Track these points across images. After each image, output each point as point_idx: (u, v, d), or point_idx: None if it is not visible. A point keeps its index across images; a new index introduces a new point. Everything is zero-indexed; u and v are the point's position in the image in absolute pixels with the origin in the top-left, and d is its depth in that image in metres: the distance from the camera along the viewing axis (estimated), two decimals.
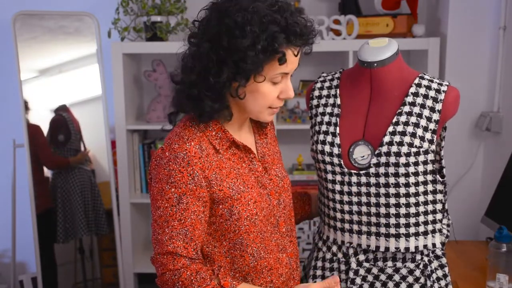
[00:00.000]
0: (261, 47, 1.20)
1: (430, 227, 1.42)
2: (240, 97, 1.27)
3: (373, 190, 1.40)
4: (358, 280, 1.45)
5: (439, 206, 1.44)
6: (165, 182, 1.25)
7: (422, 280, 1.42)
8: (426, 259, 1.44)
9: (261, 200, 1.35)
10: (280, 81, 1.29)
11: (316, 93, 1.54)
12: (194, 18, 1.31)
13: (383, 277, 1.44)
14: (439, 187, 1.43)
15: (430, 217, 1.42)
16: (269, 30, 1.20)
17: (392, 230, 1.40)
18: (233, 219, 1.30)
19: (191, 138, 1.28)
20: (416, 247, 1.41)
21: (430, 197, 1.42)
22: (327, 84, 1.54)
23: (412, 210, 1.39)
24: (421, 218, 1.41)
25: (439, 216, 1.44)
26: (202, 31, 1.26)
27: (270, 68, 1.25)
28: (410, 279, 1.42)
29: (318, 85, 1.55)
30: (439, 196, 1.44)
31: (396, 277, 1.43)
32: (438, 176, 1.42)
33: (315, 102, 1.53)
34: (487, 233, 2.41)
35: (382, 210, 1.40)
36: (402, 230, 1.40)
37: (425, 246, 1.42)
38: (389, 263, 1.43)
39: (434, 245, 1.44)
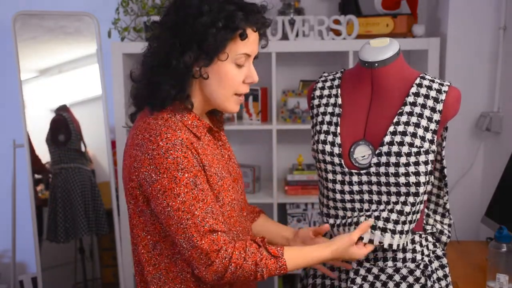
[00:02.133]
0: (221, 25, 1.24)
1: (411, 226, 1.42)
2: (203, 77, 1.29)
3: (375, 188, 1.40)
4: (359, 280, 1.44)
5: (432, 206, 1.44)
6: (175, 170, 1.23)
7: (422, 280, 1.42)
8: (426, 259, 1.44)
9: (234, 185, 1.39)
10: (244, 63, 1.31)
11: (317, 92, 1.54)
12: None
13: (383, 277, 1.44)
14: (430, 188, 1.42)
15: (417, 216, 1.42)
16: (227, 9, 1.25)
17: (390, 226, 1.39)
18: (219, 205, 1.32)
19: (177, 127, 1.28)
20: (406, 243, 1.41)
21: (426, 197, 1.41)
22: (328, 83, 1.54)
23: (414, 209, 1.39)
24: (415, 217, 1.41)
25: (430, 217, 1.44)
26: (161, 23, 1.30)
27: (232, 46, 1.27)
28: (411, 279, 1.42)
29: (320, 84, 1.55)
30: (433, 198, 1.44)
31: (397, 277, 1.43)
32: (432, 177, 1.41)
33: (316, 101, 1.54)
34: (487, 233, 2.41)
35: (382, 207, 1.40)
36: (399, 228, 1.39)
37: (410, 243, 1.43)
38: (390, 263, 1.43)
39: (421, 243, 1.43)
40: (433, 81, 1.42)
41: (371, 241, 1.40)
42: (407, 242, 1.42)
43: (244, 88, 1.34)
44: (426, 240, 1.47)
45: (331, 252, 1.36)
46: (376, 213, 1.40)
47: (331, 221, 1.49)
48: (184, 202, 1.24)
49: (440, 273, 1.46)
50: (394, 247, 1.39)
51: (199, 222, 1.24)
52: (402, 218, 1.39)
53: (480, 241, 2.46)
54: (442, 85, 1.41)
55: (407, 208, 1.38)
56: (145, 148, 1.26)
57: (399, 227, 1.39)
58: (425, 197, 1.42)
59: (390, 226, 1.39)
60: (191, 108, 1.32)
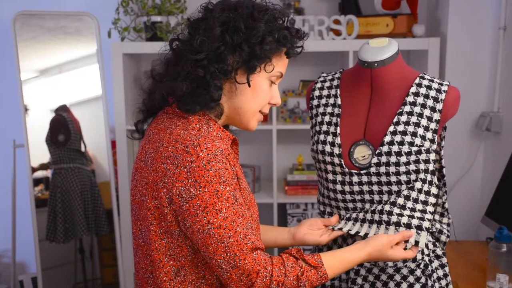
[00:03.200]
0: (277, 36, 1.23)
1: (416, 222, 1.39)
2: (242, 83, 1.24)
3: (375, 188, 1.40)
4: (359, 280, 1.44)
5: (430, 208, 1.41)
6: (217, 183, 1.14)
7: (423, 279, 1.42)
8: (427, 258, 1.44)
9: (246, 212, 1.31)
10: (272, 85, 1.30)
11: (317, 93, 1.54)
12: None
13: (384, 277, 1.44)
14: (433, 190, 1.41)
15: (418, 214, 1.40)
16: (278, 25, 1.25)
17: (392, 228, 1.39)
18: None
19: (213, 137, 1.21)
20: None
21: (424, 197, 1.41)
22: (327, 84, 1.54)
23: (418, 206, 1.38)
24: (417, 214, 1.40)
25: (428, 216, 1.42)
26: (209, 19, 1.23)
27: (276, 60, 1.27)
28: (411, 278, 1.42)
29: (318, 85, 1.55)
30: (431, 199, 1.42)
31: (397, 277, 1.43)
32: (435, 177, 1.41)
33: (315, 102, 1.54)
34: (487, 233, 2.41)
35: (387, 207, 1.40)
36: (402, 228, 1.39)
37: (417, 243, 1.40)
38: (390, 263, 1.43)
39: (417, 242, 1.41)
40: (432, 81, 1.43)
41: (416, 243, 1.37)
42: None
43: (267, 108, 1.32)
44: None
45: (368, 254, 1.31)
46: (386, 218, 1.38)
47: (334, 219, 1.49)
48: (226, 218, 1.15)
49: (440, 272, 1.46)
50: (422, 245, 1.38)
51: (242, 240, 1.15)
52: (410, 217, 1.38)
53: (480, 241, 2.45)
54: (442, 84, 1.42)
55: (419, 206, 1.38)
56: (180, 161, 1.15)
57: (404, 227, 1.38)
58: (430, 199, 1.41)
59: (401, 228, 1.37)
60: (221, 114, 1.27)
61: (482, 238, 2.50)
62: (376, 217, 1.39)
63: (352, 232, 1.43)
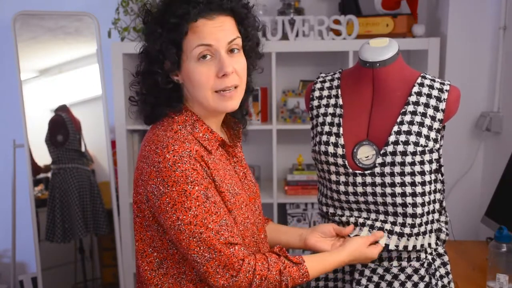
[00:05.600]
0: (161, 30, 1.23)
1: (429, 227, 1.42)
2: (180, 83, 1.27)
3: (378, 189, 1.39)
4: (364, 281, 1.44)
5: (437, 206, 1.44)
6: (184, 183, 1.17)
7: (426, 278, 1.42)
8: (430, 257, 1.45)
9: (248, 203, 1.33)
10: (208, 56, 1.22)
11: (317, 93, 1.54)
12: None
13: (388, 277, 1.44)
14: (439, 186, 1.44)
15: (430, 217, 1.42)
16: (168, 10, 1.24)
17: (397, 229, 1.40)
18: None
19: (187, 139, 1.22)
20: (414, 246, 1.41)
21: (432, 197, 1.42)
22: (327, 84, 1.54)
23: (419, 210, 1.39)
24: (424, 219, 1.40)
25: (436, 215, 1.45)
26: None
27: (186, 44, 1.22)
28: (416, 277, 1.42)
29: (318, 85, 1.55)
30: (438, 196, 1.44)
31: (402, 277, 1.43)
32: (439, 175, 1.42)
33: (315, 102, 1.53)
34: (487, 233, 2.41)
35: (390, 208, 1.40)
36: (407, 230, 1.39)
37: (421, 246, 1.42)
38: (395, 263, 1.43)
39: (429, 244, 1.43)
40: (434, 81, 1.43)
41: (386, 246, 1.40)
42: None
43: (221, 83, 1.23)
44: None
45: (348, 255, 1.35)
46: (392, 219, 1.40)
47: (337, 219, 1.48)
48: (196, 216, 1.17)
49: (442, 270, 1.46)
50: (410, 248, 1.40)
51: (214, 235, 1.18)
52: (417, 221, 1.39)
53: (480, 241, 2.45)
54: (443, 84, 1.42)
55: (418, 210, 1.38)
56: (151, 161, 1.20)
57: (415, 230, 1.39)
58: (433, 196, 1.41)
59: (407, 230, 1.39)
60: (198, 117, 1.28)
61: (482, 238, 2.50)
62: (397, 229, 1.40)
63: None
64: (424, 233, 1.42)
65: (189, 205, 1.17)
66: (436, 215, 1.44)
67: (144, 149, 1.24)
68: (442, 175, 1.45)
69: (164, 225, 1.22)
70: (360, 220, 1.44)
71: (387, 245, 1.40)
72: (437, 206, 1.44)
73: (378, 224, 1.42)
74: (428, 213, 1.41)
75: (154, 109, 1.28)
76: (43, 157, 2.95)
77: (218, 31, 1.21)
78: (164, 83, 1.25)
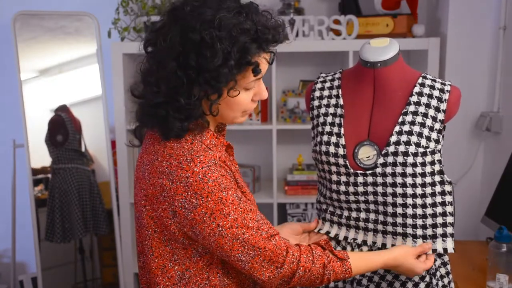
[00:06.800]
0: (234, 63, 1.13)
1: (440, 231, 1.40)
2: (213, 114, 1.20)
3: (380, 189, 1.39)
4: (365, 281, 1.45)
5: (449, 209, 1.40)
6: (218, 191, 1.16)
7: (427, 278, 1.42)
8: None
9: (252, 206, 1.33)
10: (254, 86, 1.24)
11: (317, 93, 1.54)
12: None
13: (389, 277, 1.44)
14: (448, 188, 1.40)
15: (439, 220, 1.40)
16: (240, 42, 1.13)
17: (399, 229, 1.39)
18: None
19: (206, 148, 1.21)
20: (434, 250, 1.40)
21: (438, 199, 1.39)
22: (327, 84, 1.53)
23: (419, 211, 1.38)
24: (429, 221, 1.39)
25: (449, 219, 1.41)
26: (165, 46, 1.15)
27: (243, 79, 1.19)
28: (416, 278, 1.42)
29: (318, 85, 1.55)
30: (448, 198, 1.40)
31: (403, 277, 1.42)
32: (445, 176, 1.41)
33: (316, 102, 1.53)
34: (487, 233, 2.41)
35: (390, 209, 1.40)
36: (409, 230, 1.39)
37: (434, 251, 1.40)
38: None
39: (445, 250, 1.41)
40: (435, 81, 1.43)
41: (393, 246, 1.41)
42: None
43: (252, 105, 1.27)
44: None
45: (393, 258, 1.35)
46: (391, 220, 1.40)
47: (335, 219, 1.48)
48: (236, 219, 1.18)
49: (442, 270, 1.46)
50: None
51: (255, 233, 1.19)
52: (419, 222, 1.38)
53: (480, 241, 2.45)
54: (444, 84, 1.42)
55: (419, 211, 1.38)
56: (175, 177, 1.16)
57: (419, 232, 1.39)
58: (439, 198, 1.39)
59: (409, 231, 1.39)
60: (208, 125, 1.24)
61: (482, 238, 2.50)
62: (390, 228, 1.40)
63: (341, 238, 1.47)
64: (434, 236, 1.40)
65: (228, 211, 1.17)
66: (450, 219, 1.41)
67: (161, 165, 1.19)
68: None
69: (200, 236, 1.19)
70: (358, 241, 1.46)
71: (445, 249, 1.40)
72: (448, 209, 1.40)
73: (371, 226, 1.42)
74: (435, 215, 1.39)
75: (174, 126, 1.18)
76: (44, 157, 2.95)
77: (266, 67, 1.23)
78: (194, 105, 1.17)
